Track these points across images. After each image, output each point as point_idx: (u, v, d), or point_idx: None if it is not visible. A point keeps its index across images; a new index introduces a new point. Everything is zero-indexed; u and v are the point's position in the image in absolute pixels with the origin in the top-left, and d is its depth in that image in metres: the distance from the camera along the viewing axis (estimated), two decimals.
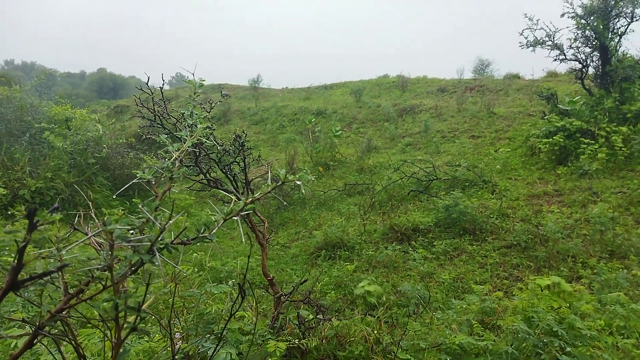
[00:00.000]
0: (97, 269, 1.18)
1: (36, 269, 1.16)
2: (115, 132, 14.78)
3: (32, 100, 12.70)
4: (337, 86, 27.32)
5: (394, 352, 3.06)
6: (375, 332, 3.30)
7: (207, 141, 1.90)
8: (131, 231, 1.19)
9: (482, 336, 3.47)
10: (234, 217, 1.32)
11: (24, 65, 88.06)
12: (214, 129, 1.92)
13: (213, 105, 3.14)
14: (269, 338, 2.76)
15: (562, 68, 29.69)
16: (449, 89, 21.95)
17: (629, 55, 11.90)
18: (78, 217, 1.57)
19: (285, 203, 11.01)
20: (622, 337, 4.06)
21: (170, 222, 1.17)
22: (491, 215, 8.37)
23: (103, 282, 1.26)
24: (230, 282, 3.37)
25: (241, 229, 1.38)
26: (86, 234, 1.35)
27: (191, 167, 3.32)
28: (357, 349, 3.06)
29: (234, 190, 3.50)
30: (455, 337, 3.29)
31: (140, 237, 1.16)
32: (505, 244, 7.47)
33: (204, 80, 2.00)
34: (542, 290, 4.49)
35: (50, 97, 15.33)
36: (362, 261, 7.47)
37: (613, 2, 11.63)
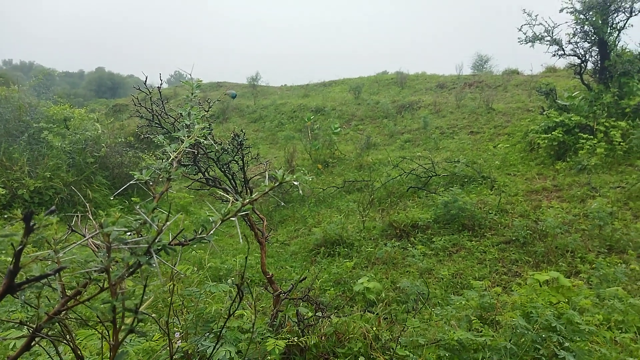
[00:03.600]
0: (95, 270, 1.19)
1: (33, 272, 1.17)
2: (114, 131, 14.77)
3: (31, 100, 12.66)
4: (335, 83, 27.31)
5: (392, 349, 3.07)
6: (375, 328, 3.31)
7: (205, 141, 1.90)
8: (128, 233, 1.20)
9: (481, 332, 3.48)
10: (231, 218, 1.33)
11: (22, 65, 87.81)
12: (211, 129, 1.92)
13: (211, 104, 3.15)
14: (268, 336, 2.77)
15: (561, 63, 29.62)
16: (448, 85, 21.95)
17: (627, 50, 11.89)
18: (75, 218, 1.57)
19: (283, 203, 11.02)
20: (620, 331, 4.08)
21: (168, 224, 1.18)
22: (490, 211, 8.38)
23: (101, 284, 1.27)
24: (229, 281, 3.38)
25: (238, 230, 1.38)
26: (84, 236, 1.36)
27: (190, 166, 3.32)
28: (356, 346, 3.07)
29: (232, 190, 3.51)
30: (454, 333, 3.31)
31: (137, 239, 1.17)
32: (504, 239, 7.49)
33: (201, 81, 2.00)
34: (540, 286, 4.50)
35: (48, 96, 15.28)
36: (361, 258, 7.48)
37: None
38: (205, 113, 2.65)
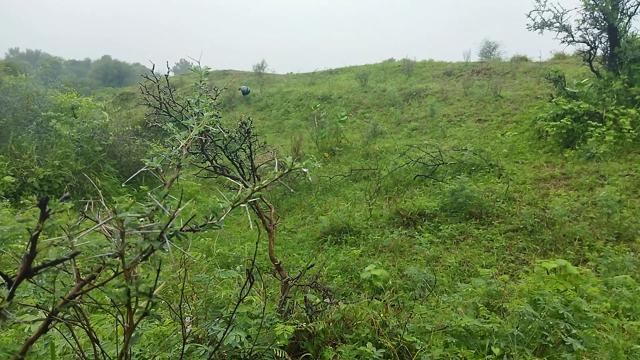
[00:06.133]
0: (109, 255, 1.21)
1: (49, 257, 1.19)
2: (121, 120, 14.82)
3: (38, 89, 12.72)
4: (342, 71, 27.14)
5: (400, 335, 3.09)
6: (382, 315, 3.33)
7: (214, 129, 1.91)
8: (141, 219, 1.22)
9: (488, 319, 3.50)
10: (241, 205, 1.34)
11: (29, 54, 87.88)
12: (220, 117, 1.93)
13: (218, 92, 3.15)
14: (277, 321, 2.80)
15: (570, 50, 29.30)
16: (455, 72, 21.75)
17: (638, 36, 11.71)
18: (88, 205, 1.59)
19: (292, 190, 11.05)
20: (627, 319, 4.09)
21: (180, 209, 1.19)
22: (497, 199, 8.37)
23: (114, 269, 1.29)
24: (238, 268, 3.41)
25: (249, 216, 1.40)
26: (96, 222, 1.38)
27: (197, 154, 3.33)
28: (364, 332, 3.10)
29: (241, 177, 3.52)
30: (461, 319, 3.32)
31: (150, 224, 1.19)
32: (512, 227, 7.48)
33: (209, 68, 2.00)
34: (548, 273, 4.50)
35: (55, 85, 15.36)
36: (368, 246, 7.51)
37: None
38: (213, 101, 2.65)
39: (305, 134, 15.69)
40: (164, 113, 3.25)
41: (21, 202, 8.22)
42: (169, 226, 1.18)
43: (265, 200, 3.76)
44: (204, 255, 5.51)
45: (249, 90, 22.19)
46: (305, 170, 1.41)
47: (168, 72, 3.16)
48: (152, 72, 3.17)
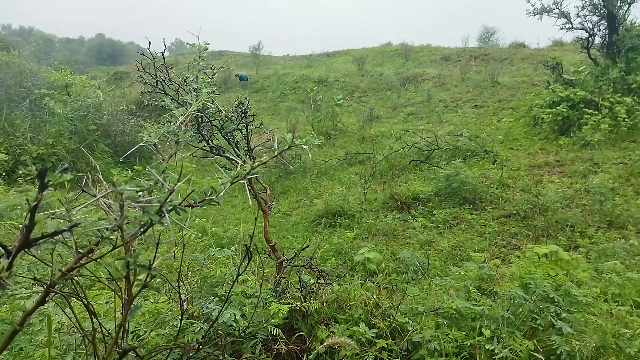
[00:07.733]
0: (107, 229, 1.21)
1: (47, 229, 1.19)
2: (115, 99, 14.68)
3: (31, 66, 12.56)
4: (339, 54, 26.95)
5: (392, 316, 3.13)
6: (375, 296, 3.36)
7: (212, 105, 1.90)
8: (140, 193, 1.22)
9: (479, 301, 3.54)
10: (240, 181, 1.34)
11: (22, 30, 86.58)
12: (218, 94, 1.92)
13: (215, 71, 3.12)
14: (272, 301, 2.83)
15: (568, 37, 29.26)
16: (453, 57, 21.66)
17: (637, 25, 11.68)
18: (85, 179, 1.59)
19: (291, 167, 11.04)
20: (616, 304, 4.15)
21: (179, 184, 1.19)
22: (491, 185, 8.41)
23: (113, 242, 1.29)
24: (233, 248, 3.42)
25: (248, 192, 1.40)
26: (94, 196, 1.38)
27: (194, 134, 3.32)
28: (357, 312, 3.13)
29: (237, 157, 3.51)
30: (452, 302, 3.36)
31: (150, 198, 1.19)
32: (505, 213, 7.53)
33: (208, 44, 1.98)
34: (539, 259, 4.55)
35: (49, 63, 15.15)
36: (362, 229, 7.54)
37: None
38: (210, 79, 2.63)
39: (301, 117, 15.62)
40: (160, 91, 3.22)
41: (15, 178, 8.17)
42: (168, 200, 1.18)
43: (261, 182, 3.76)
44: (199, 235, 5.52)
45: (248, 77, 21.67)
46: (305, 147, 1.41)
47: (164, 50, 3.12)
48: (148, 49, 3.13)
